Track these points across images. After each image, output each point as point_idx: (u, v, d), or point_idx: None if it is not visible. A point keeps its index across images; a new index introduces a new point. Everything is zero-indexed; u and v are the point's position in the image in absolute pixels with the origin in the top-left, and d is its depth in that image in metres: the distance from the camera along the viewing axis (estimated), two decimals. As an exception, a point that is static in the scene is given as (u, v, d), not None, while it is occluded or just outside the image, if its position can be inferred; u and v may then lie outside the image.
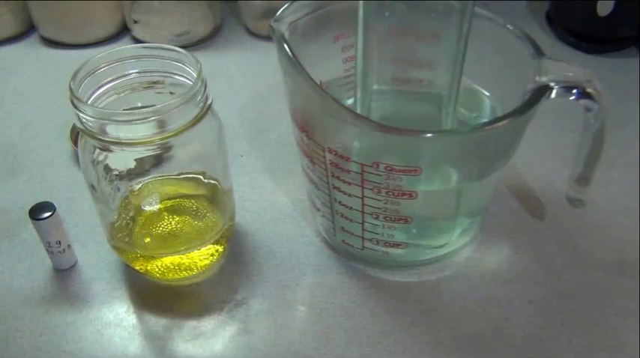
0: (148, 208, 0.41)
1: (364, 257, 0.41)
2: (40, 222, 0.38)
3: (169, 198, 0.41)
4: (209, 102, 0.35)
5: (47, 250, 0.39)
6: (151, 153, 0.34)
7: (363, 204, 0.36)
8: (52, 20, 0.61)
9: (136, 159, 0.35)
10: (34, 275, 0.40)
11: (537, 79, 0.34)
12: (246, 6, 0.62)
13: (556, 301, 0.39)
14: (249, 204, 0.45)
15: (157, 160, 0.36)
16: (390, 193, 0.34)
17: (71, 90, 0.33)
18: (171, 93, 0.36)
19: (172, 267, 0.39)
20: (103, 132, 0.33)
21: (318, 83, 0.33)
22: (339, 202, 0.37)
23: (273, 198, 0.46)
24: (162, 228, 0.40)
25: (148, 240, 0.40)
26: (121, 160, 0.35)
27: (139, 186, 0.39)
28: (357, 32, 0.35)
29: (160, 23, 0.60)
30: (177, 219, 0.41)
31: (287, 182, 0.47)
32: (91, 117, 0.32)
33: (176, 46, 0.36)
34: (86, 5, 0.59)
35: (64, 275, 0.40)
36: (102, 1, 0.60)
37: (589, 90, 0.34)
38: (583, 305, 0.39)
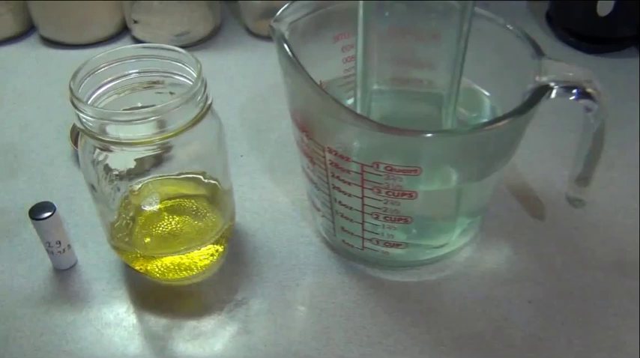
0: (148, 208, 0.41)
1: (364, 257, 0.41)
2: (40, 222, 0.38)
3: (169, 198, 0.41)
4: (209, 102, 0.35)
5: (47, 250, 0.39)
6: (151, 153, 0.34)
7: (363, 204, 0.36)
8: (52, 20, 0.61)
9: (136, 159, 0.35)
10: (34, 275, 0.40)
11: (537, 79, 0.34)
12: (246, 6, 0.62)
13: (556, 301, 0.39)
14: (249, 204, 0.45)
15: (157, 160, 0.36)
16: (390, 193, 0.34)
17: (71, 90, 0.33)
18: (171, 93, 0.36)
19: (172, 267, 0.39)
20: (103, 132, 0.33)
21: (318, 83, 0.33)
22: (339, 202, 0.37)
23: (273, 198, 0.46)
24: (163, 228, 0.40)
25: (147, 240, 0.40)
26: (121, 160, 0.35)
27: (139, 186, 0.39)
28: (357, 32, 0.35)
29: (159, 23, 0.60)
30: (177, 219, 0.41)
31: (287, 182, 0.47)
32: (91, 117, 0.32)
33: (176, 46, 0.36)
34: (86, 5, 0.59)
35: (64, 275, 0.40)
36: (102, 1, 0.60)
37: (589, 90, 0.34)
38: (583, 305, 0.39)
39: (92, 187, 0.37)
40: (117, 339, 0.37)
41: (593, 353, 0.36)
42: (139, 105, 0.36)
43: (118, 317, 0.38)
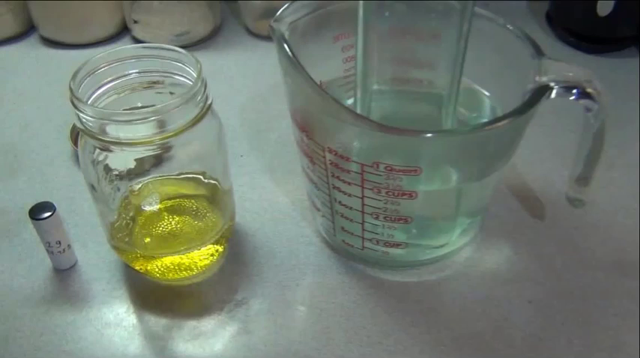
0: (148, 208, 0.41)
1: (364, 257, 0.41)
2: (40, 222, 0.38)
3: (169, 198, 0.41)
4: (209, 102, 0.35)
5: (47, 250, 0.39)
6: (151, 153, 0.34)
7: (363, 204, 0.36)
8: (52, 20, 0.61)
9: (136, 159, 0.36)
10: (34, 275, 0.40)
11: (537, 79, 0.34)
12: (246, 6, 0.62)
13: (556, 301, 0.39)
14: (249, 204, 0.45)
15: (157, 160, 0.36)
16: (390, 193, 0.34)
17: (71, 90, 0.33)
18: (171, 93, 0.36)
19: (172, 267, 0.39)
20: (103, 132, 0.33)
21: (318, 83, 0.33)
22: (339, 202, 0.37)
23: (273, 198, 0.46)
24: (163, 228, 0.40)
25: (148, 240, 0.40)
26: (121, 160, 0.35)
27: (139, 186, 0.39)
28: (357, 32, 0.35)
29: (159, 23, 0.60)
30: (177, 219, 0.41)
31: (287, 182, 0.47)
32: (91, 117, 0.32)
33: (176, 46, 0.36)
34: (86, 5, 0.59)
35: (64, 275, 0.40)
36: (102, 1, 0.60)
37: (589, 90, 0.34)
38: (583, 305, 0.39)
39: (92, 187, 0.37)
40: (117, 339, 0.37)
41: (593, 353, 0.36)
42: (139, 105, 0.36)
43: (118, 317, 0.38)
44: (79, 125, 0.33)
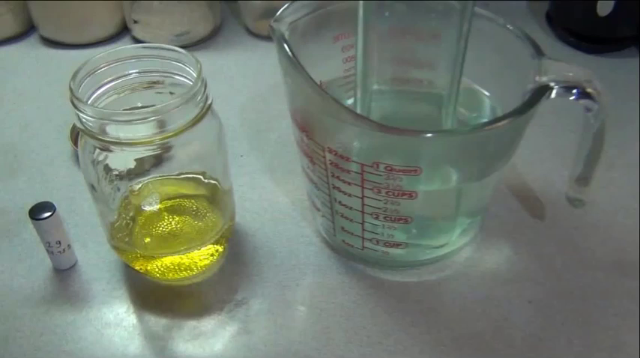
0: (148, 208, 0.41)
1: (364, 257, 0.41)
2: (40, 222, 0.38)
3: (169, 198, 0.41)
4: (209, 102, 0.35)
5: (47, 250, 0.39)
6: (151, 153, 0.35)
7: (363, 204, 0.36)
8: (52, 20, 0.61)
9: (136, 159, 0.36)
10: (34, 275, 0.40)
11: (537, 79, 0.34)
12: (246, 6, 0.62)
13: (556, 301, 0.39)
14: (249, 204, 0.45)
15: (157, 160, 0.36)
16: (390, 193, 0.34)
17: (71, 90, 0.33)
18: (171, 93, 0.36)
19: (172, 266, 0.39)
20: (103, 132, 0.33)
21: (318, 83, 0.33)
22: (339, 202, 0.37)
23: (273, 198, 0.46)
24: (163, 228, 0.40)
25: (148, 240, 0.40)
26: (121, 160, 0.35)
27: (139, 186, 0.39)
28: (357, 32, 0.35)
29: (159, 23, 0.60)
30: (177, 219, 0.41)
31: (287, 182, 0.47)
32: (91, 117, 0.32)
33: (176, 46, 0.36)
34: (86, 5, 0.59)
35: (64, 275, 0.40)
36: (102, 1, 0.60)
37: (589, 90, 0.34)
38: (583, 305, 0.39)
39: (92, 187, 0.37)
40: (117, 339, 0.37)
41: (593, 353, 0.36)
42: (139, 105, 0.36)
43: (118, 317, 0.38)
44: (79, 125, 0.33)
